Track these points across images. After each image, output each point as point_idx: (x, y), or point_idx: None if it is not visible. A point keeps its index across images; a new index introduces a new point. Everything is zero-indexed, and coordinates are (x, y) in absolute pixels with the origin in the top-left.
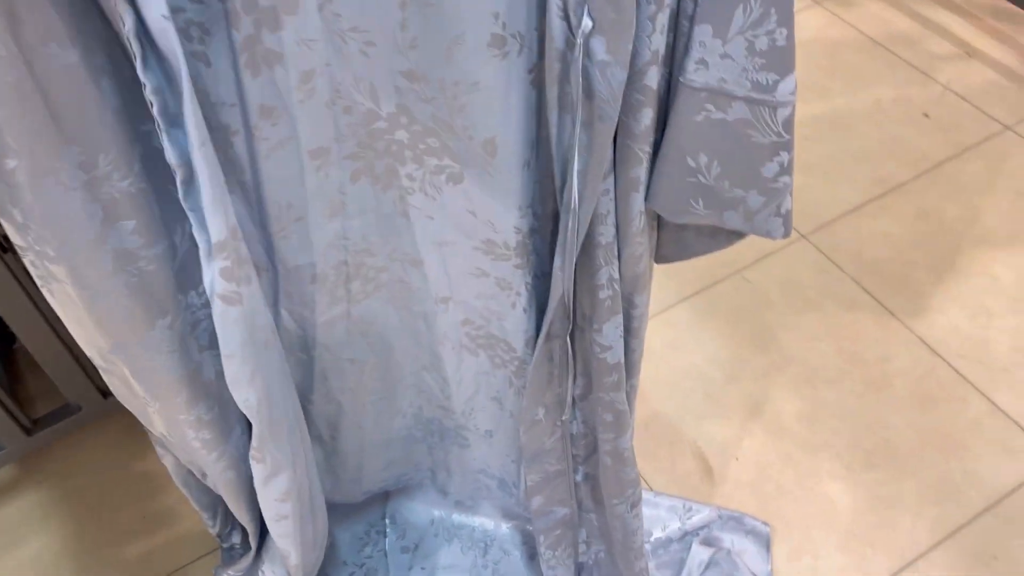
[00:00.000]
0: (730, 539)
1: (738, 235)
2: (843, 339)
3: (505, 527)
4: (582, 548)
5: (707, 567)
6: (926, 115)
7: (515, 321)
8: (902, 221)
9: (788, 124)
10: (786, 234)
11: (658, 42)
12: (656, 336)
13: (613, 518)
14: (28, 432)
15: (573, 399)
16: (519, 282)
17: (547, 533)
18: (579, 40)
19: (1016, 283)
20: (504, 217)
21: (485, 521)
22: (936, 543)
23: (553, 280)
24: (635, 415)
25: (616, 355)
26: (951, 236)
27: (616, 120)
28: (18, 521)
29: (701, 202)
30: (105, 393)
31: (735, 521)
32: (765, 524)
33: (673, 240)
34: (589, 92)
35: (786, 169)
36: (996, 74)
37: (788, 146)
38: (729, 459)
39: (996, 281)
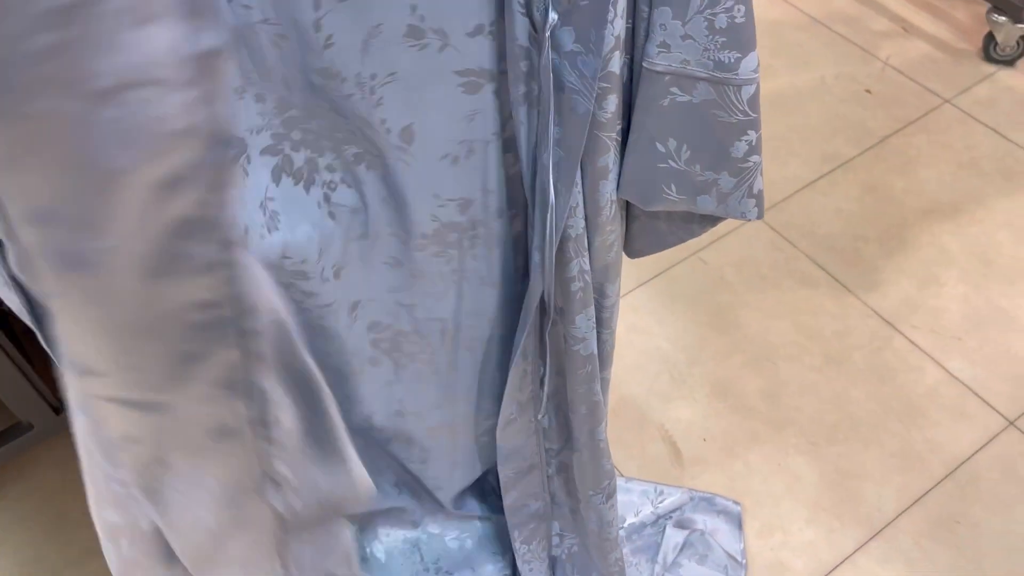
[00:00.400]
0: (703, 520)
1: (712, 221)
2: (800, 315)
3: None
4: (555, 541)
5: (682, 549)
6: (868, 91)
7: (430, 309)
8: (851, 196)
9: (753, 102)
10: (759, 215)
11: (619, 27)
12: (620, 320)
13: (588, 510)
14: (57, 412)
15: (547, 394)
16: (437, 273)
17: (521, 528)
18: (547, 34)
19: (963, 252)
20: (418, 204)
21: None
22: (901, 511)
23: (532, 277)
24: (607, 405)
25: (589, 347)
26: (899, 209)
27: (591, 111)
28: None
29: (674, 188)
30: (57, 409)
31: (706, 502)
32: (736, 503)
33: (646, 232)
34: (560, 86)
35: (755, 148)
36: (933, 48)
37: (755, 124)
38: (697, 440)
39: (944, 251)
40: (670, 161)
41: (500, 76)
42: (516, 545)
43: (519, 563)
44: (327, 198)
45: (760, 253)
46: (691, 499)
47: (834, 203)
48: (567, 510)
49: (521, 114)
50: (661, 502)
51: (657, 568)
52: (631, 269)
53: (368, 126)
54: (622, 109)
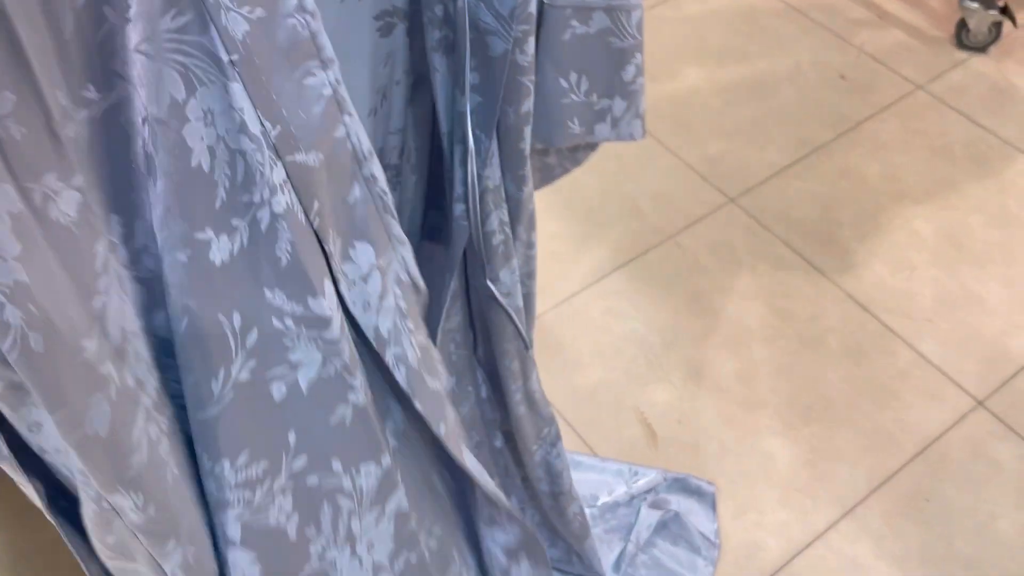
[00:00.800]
0: (677, 500)
1: (592, 148)
2: (775, 298)
3: None
4: (519, 516)
5: (655, 529)
6: (843, 77)
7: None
8: (825, 181)
9: (640, 26)
10: (643, 134)
11: None
12: (594, 304)
13: (535, 467)
14: None
15: (478, 360)
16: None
17: (479, 510)
18: None
19: (935, 236)
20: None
21: None
22: (872, 490)
23: (456, 229)
24: (535, 351)
25: (515, 301)
26: (872, 194)
27: (509, 51)
28: None
29: (576, 121)
30: None
31: (680, 483)
32: (710, 484)
33: (537, 168)
34: (475, 27)
35: (640, 70)
36: (907, 36)
37: (641, 47)
38: (672, 422)
39: (916, 235)
40: (571, 95)
41: (409, 15)
42: (479, 527)
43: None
44: None
45: (735, 237)
46: (665, 479)
47: (809, 187)
48: (519, 480)
49: (436, 60)
50: (635, 482)
51: (630, 547)
52: (606, 252)
53: None
54: None
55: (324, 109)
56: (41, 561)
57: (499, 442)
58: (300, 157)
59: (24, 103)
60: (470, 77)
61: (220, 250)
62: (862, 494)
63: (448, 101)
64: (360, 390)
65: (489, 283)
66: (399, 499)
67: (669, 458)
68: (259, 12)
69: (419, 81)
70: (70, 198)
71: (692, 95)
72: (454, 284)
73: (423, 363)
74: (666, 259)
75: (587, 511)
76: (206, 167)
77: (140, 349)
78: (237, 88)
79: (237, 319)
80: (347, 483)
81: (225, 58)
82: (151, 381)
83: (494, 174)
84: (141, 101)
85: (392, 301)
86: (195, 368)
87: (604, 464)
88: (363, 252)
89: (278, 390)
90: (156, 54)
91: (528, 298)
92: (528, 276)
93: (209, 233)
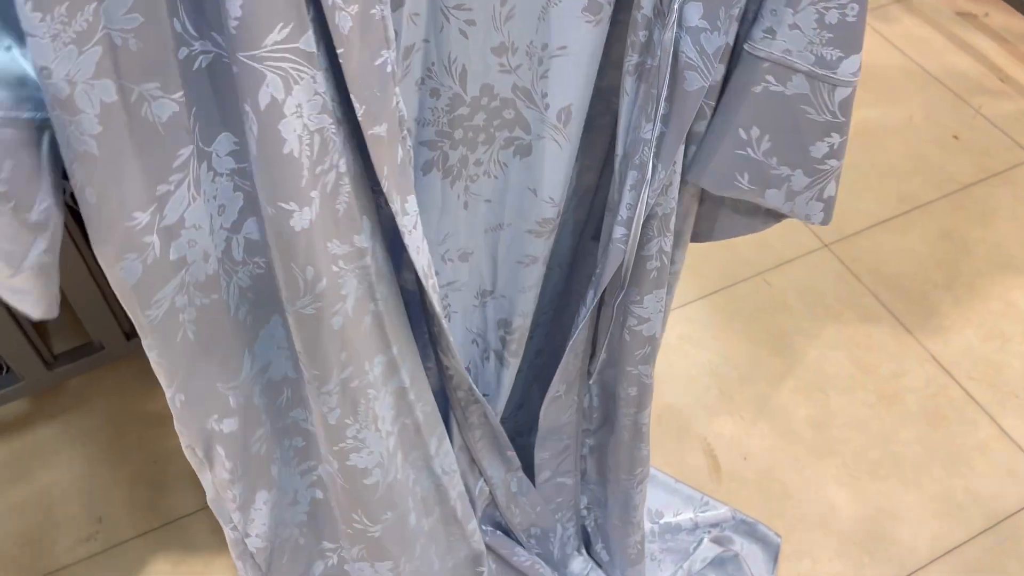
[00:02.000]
0: (741, 543)
1: (775, 218)
2: (858, 350)
3: None
4: (584, 513)
5: (711, 564)
6: (956, 137)
7: (531, 298)
8: (925, 239)
9: (845, 105)
10: (825, 221)
11: (741, 5)
12: (673, 329)
13: (617, 492)
14: (48, 366)
15: (590, 372)
16: (548, 254)
17: (550, 499)
18: (675, 6)
19: None
20: (560, 184)
21: None
22: (934, 558)
23: (611, 251)
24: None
25: (652, 328)
26: (972, 258)
27: (705, 89)
28: (29, 455)
29: (747, 176)
30: (129, 335)
31: (749, 527)
32: (778, 536)
33: (709, 218)
34: (676, 59)
35: (835, 152)
36: None
37: (841, 128)
38: (737, 457)
39: (1013, 307)
40: (748, 149)
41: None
42: (548, 515)
43: (559, 530)
44: (466, 189)
45: (826, 283)
46: (734, 519)
47: (906, 244)
48: (595, 487)
49: (628, 84)
50: (704, 512)
51: (680, 573)
52: (693, 280)
53: (528, 98)
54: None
55: (388, 84)
56: (115, 495)
57: (586, 450)
58: (376, 129)
59: (148, 25)
60: (661, 107)
61: (300, 220)
62: (923, 560)
63: (629, 126)
64: (380, 300)
65: (630, 306)
66: (400, 378)
67: (730, 492)
68: (355, 8)
69: (601, 97)
70: (165, 105)
71: None
72: (591, 305)
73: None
74: (752, 294)
75: (648, 526)
76: (296, 153)
77: (200, 238)
78: (321, 76)
79: (310, 272)
80: (371, 376)
81: (315, 51)
82: (203, 266)
83: (667, 203)
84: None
85: (425, 242)
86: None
87: (677, 486)
88: (411, 204)
89: (337, 322)
90: (259, 61)
91: (665, 313)
92: (669, 293)
93: (293, 206)
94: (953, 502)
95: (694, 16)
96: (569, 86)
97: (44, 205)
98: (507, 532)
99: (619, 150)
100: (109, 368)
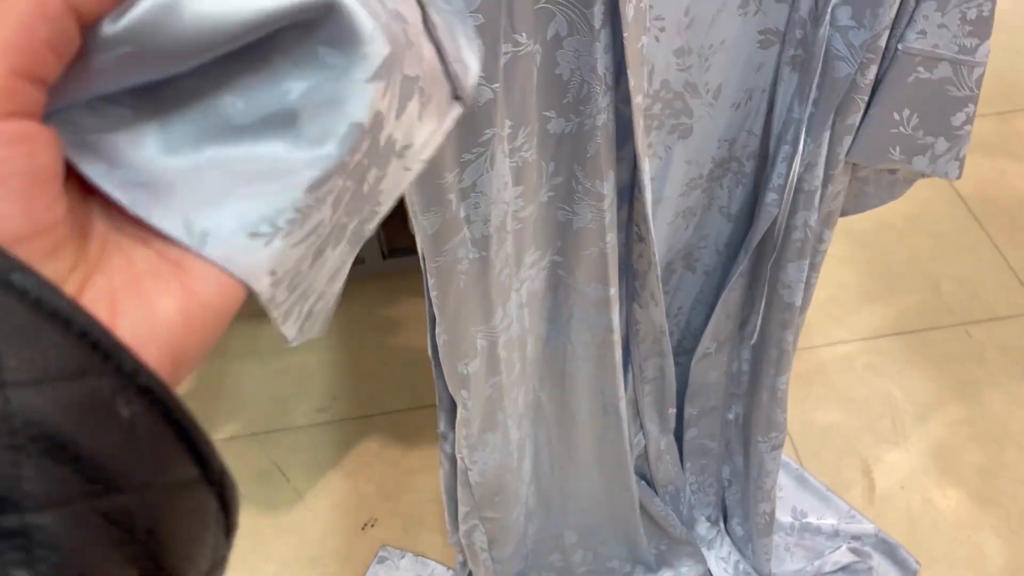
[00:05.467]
0: (878, 560)
1: (910, 184)
2: None
3: None
4: (725, 484)
5: (842, 569)
6: None
7: (701, 253)
8: None
9: (979, 81)
10: (958, 176)
11: (892, 11)
12: (860, 357)
13: (753, 455)
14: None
15: (745, 337)
16: (703, 211)
17: (694, 460)
18: (828, 10)
19: None
20: (709, 150)
21: None
22: None
23: (763, 213)
24: (796, 353)
25: (793, 295)
26: None
27: (852, 76)
28: None
29: (898, 149)
30: (385, 255)
31: (890, 547)
32: (917, 562)
33: (854, 194)
34: (827, 52)
35: (970, 119)
36: None
37: (975, 99)
38: (895, 485)
39: None
40: (900, 127)
41: (783, 34)
42: (687, 476)
43: (688, 492)
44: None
45: None
46: (876, 536)
47: None
48: (739, 458)
49: (785, 73)
50: (848, 524)
51: (809, 568)
52: (890, 315)
53: (694, 91)
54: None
55: (641, 64)
56: (363, 377)
57: (731, 415)
58: (638, 99)
59: (486, 24)
60: (813, 92)
61: (555, 126)
62: None
63: (784, 108)
64: (608, 243)
65: (775, 272)
66: (610, 316)
67: (880, 516)
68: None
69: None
70: (483, 92)
71: None
72: (745, 263)
73: None
74: (950, 341)
75: (788, 521)
76: (565, 77)
77: (483, 203)
78: (599, 47)
79: (551, 166)
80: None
81: (597, 25)
82: (481, 227)
83: (813, 180)
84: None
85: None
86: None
87: (828, 494)
88: (646, 164)
89: (563, 216)
90: (552, 4)
91: (808, 288)
92: (812, 268)
93: (552, 114)
94: None
95: (843, 17)
96: (722, 68)
97: None
98: (649, 483)
99: (774, 129)
100: (366, 280)
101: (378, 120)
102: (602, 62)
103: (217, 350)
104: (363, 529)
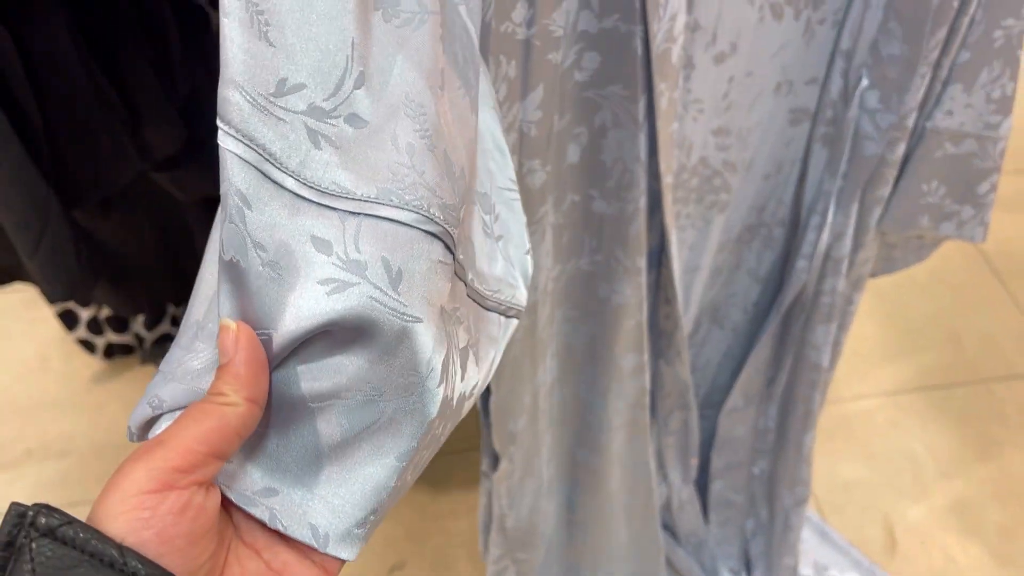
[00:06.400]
0: None
1: (936, 246)
2: None
3: None
4: (749, 535)
5: None
6: None
7: (735, 313)
8: None
9: (1002, 153)
10: (983, 239)
11: (921, 94)
12: (882, 412)
13: (778, 510)
14: None
15: (773, 395)
16: (731, 271)
17: (718, 512)
18: (857, 94)
19: None
20: (739, 217)
21: None
22: None
23: (794, 278)
24: (822, 410)
25: (820, 356)
26: None
27: (878, 155)
28: None
29: (926, 218)
30: None
31: None
32: None
33: (883, 258)
34: (856, 131)
35: (994, 187)
36: None
37: (999, 169)
38: (915, 541)
39: None
40: (928, 197)
41: (814, 115)
42: (711, 528)
43: (712, 544)
44: (675, 234)
45: None
46: None
47: None
48: (763, 512)
49: (816, 148)
50: None
51: None
52: (912, 372)
53: (732, 170)
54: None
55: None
56: None
57: (757, 469)
58: (668, 179)
59: (543, 119)
60: (842, 167)
61: (598, 206)
62: None
63: (815, 181)
64: (645, 312)
65: (803, 333)
66: (643, 379)
67: (901, 572)
68: (669, 92)
69: (804, 166)
70: (537, 175)
71: None
72: (775, 324)
73: None
74: (972, 399)
75: (810, 574)
76: (608, 164)
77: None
78: (642, 137)
79: (593, 243)
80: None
81: (640, 118)
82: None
83: (841, 247)
84: None
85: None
86: None
87: (850, 549)
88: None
89: (603, 292)
90: (599, 97)
91: (836, 347)
92: (841, 330)
93: (595, 194)
94: None
95: (872, 100)
96: (756, 145)
97: None
98: (672, 533)
99: (806, 199)
100: None
101: (447, 404)
102: (644, 149)
103: None
104: (390, 572)
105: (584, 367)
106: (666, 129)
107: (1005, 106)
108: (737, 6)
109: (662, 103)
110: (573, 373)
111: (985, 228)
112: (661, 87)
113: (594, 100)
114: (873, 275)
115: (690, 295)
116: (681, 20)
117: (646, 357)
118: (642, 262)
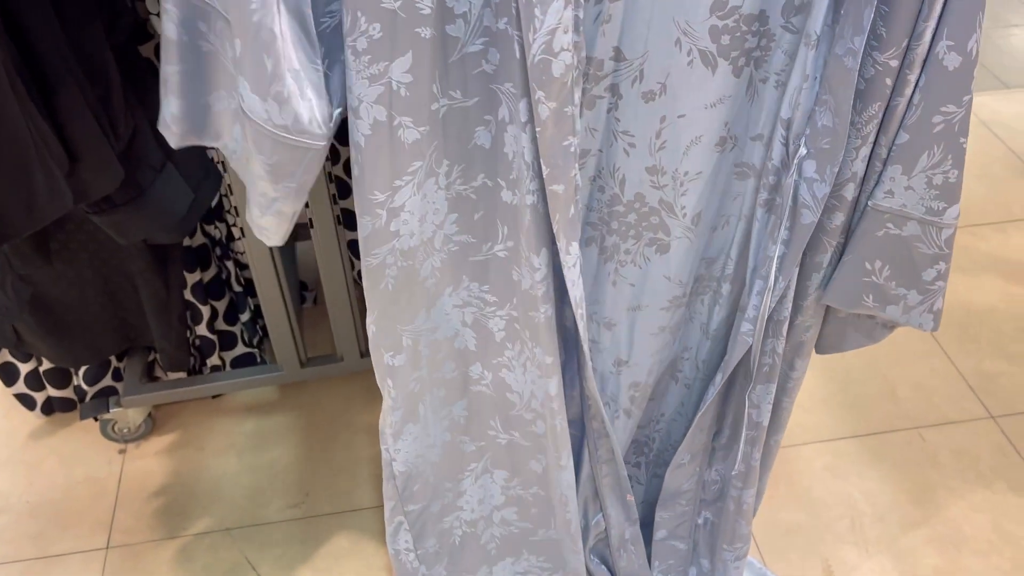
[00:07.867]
0: None
1: (889, 330)
2: (1003, 519)
3: None
4: None
5: None
6: None
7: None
8: None
9: (949, 241)
10: (934, 328)
11: (858, 167)
12: (819, 458)
13: (718, 563)
14: (302, 365)
15: (718, 449)
16: (685, 324)
17: (662, 560)
18: (794, 163)
19: None
20: (688, 269)
21: None
22: None
23: (739, 342)
24: (771, 473)
25: (760, 415)
26: None
27: (815, 224)
28: (268, 431)
29: (871, 297)
30: (363, 353)
31: None
32: None
33: (835, 334)
34: (795, 199)
35: (942, 275)
36: None
37: (946, 258)
38: None
39: None
40: (872, 276)
41: (759, 171)
42: (654, 573)
43: None
44: (616, 270)
45: (983, 451)
46: None
47: None
48: (704, 562)
49: (759, 214)
50: None
51: None
52: (850, 419)
53: (670, 211)
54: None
55: (569, 160)
56: (321, 478)
57: (701, 519)
58: (555, 187)
59: (416, 83)
60: (782, 233)
61: (506, 196)
62: None
63: (759, 246)
64: (543, 315)
65: (743, 393)
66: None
67: None
68: (553, 105)
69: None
70: (411, 134)
71: (988, 313)
72: (721, 385)
73: None
74: (906, 445)
75: None
76: (509, 157)
77: (412, 221)
78: (525, 137)
79: (505, 230)
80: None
81: (523, 120)
82: (408, 240)
83: (782, 310)
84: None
85: (581, 280)
86: None
87: None
88: (574, 248)
89: (516, 275)
90: (500, 92)
91: (779, 412)
92: (784, 393)
93: (503, 184)
94: None
95: (809, 169)
96: (700, 197)
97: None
98: (610, 570)
99: (750, 264)
100: (344, 379)
101: None
102: (528, 151)
103: (194, 445)
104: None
105: (504, 348)
106: (547, 137)
107: (949, 193)
108: (663, 46)
109: (541, 111)
110: (494, 360)
111: (935, 316)
112: (539, 95)
113: (496, 93)
114: (826, 351)
115: (643, 344)
116: (565, 38)
117: (550, 360)
118: (536, 261)
